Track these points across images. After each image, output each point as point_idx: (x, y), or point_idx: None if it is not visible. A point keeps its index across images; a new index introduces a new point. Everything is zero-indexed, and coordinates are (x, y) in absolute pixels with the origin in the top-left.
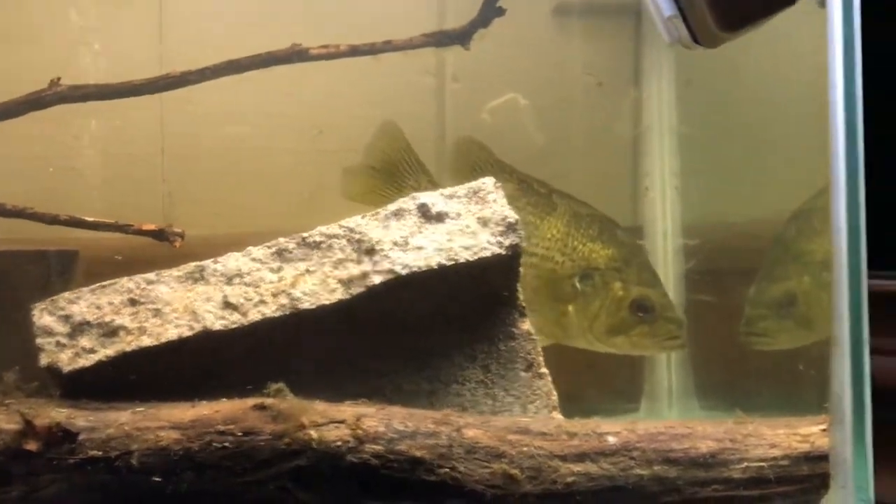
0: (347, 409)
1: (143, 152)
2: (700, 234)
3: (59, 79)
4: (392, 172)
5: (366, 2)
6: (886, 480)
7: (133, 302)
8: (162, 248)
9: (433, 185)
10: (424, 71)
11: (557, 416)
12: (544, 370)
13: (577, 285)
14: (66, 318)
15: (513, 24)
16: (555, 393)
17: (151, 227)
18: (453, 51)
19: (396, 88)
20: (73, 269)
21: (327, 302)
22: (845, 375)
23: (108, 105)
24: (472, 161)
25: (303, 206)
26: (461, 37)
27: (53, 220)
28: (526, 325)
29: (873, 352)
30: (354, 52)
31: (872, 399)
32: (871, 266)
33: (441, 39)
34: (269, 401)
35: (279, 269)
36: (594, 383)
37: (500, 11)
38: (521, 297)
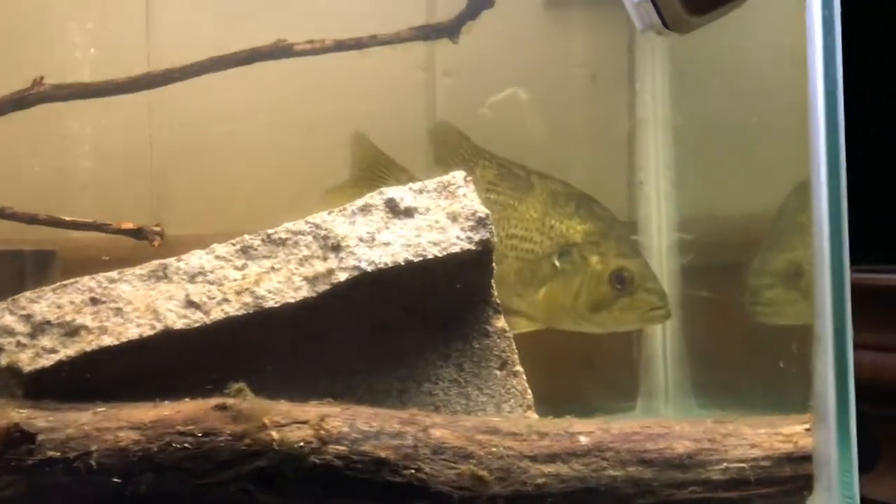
0: (311, 409)
1: (132, 151)
2: (696, 228)
3: (41, 78)
4: (371, 181)
5: None
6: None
7: (94, 301)
8: (153, 248)
9: (415, 181)
10: (415, 65)
11: (532, 415)
12: (519, 368)
13: (557, 263)
14: (27, 318)
15: (504, 16)
16: (530, 392)
17: (130, 225)
18: (444, 45)
19: (386, 83)
20: (51, 269)
21: (292, 300)
22: (828, 372)
23: (95, 103)
24: (449, 148)
25: (294, 203)
26: (449, 30)
27: (32, 220)
28: (500, 322)
29: (860, 348)
30: (340, 46)
31: (861, 396)
32: (853, 260)
33: (428, 33)
34: (230, 401)
35: (244, 267)
36: (589, 381)
37: (489, 3)
38: (495, 293)
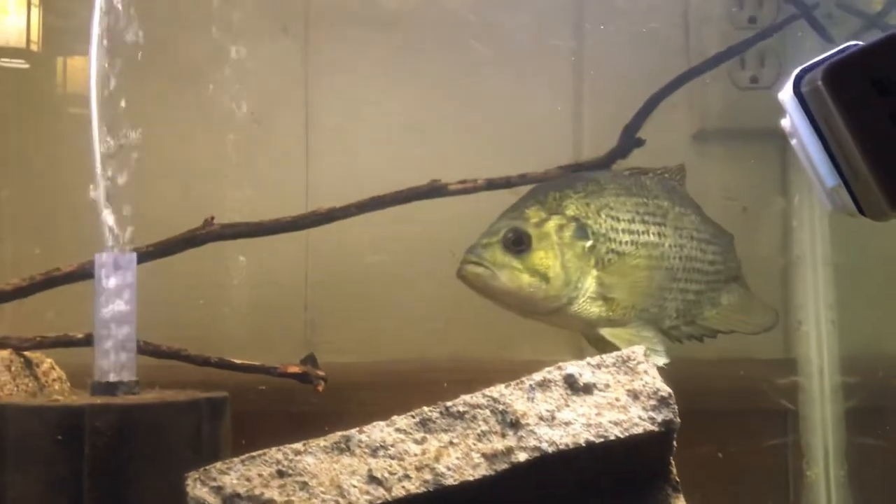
0: None
1: (288, 281)
2: (860, 370)
3: (212, 217)
4: None
5: (503, 132)
6: None
7: (281, 474)
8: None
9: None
10: None
11: None
12: None
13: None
14: (218, 490)
15: (651, 149)
16: None
17: (296, 369)
18: None
19: None
20: (224, 414)
21: (471, 478)
22: None
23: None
24: None
25: (441, 333)
26: (598, 167)
27: (204, 363)
28: (680, 501)
29: None
30: (491, 185)
31: None
32: None
33: (578, 171)
34: None
35: (423, 441)
36: None
37: (640, 142)
38: (674, 470)
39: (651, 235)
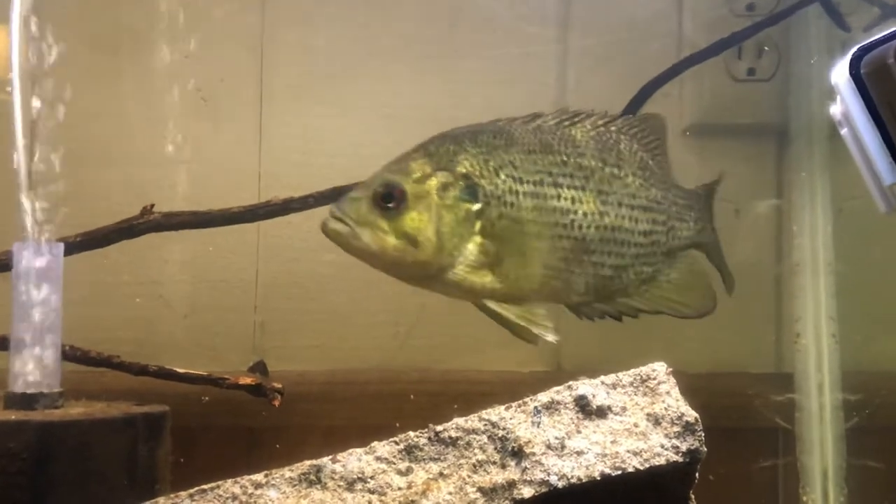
0: None
1: (236, 279)
2: (863, 388)
3: (152, 206)
4: None
5: (481, 117)
6: None
7: None
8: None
9: None
10: None
11: None
12: None
13: None
14: None
15: None
16: None
17: (248, 381)
18: None
19: None
20: (163, 431)
21: None
22: None
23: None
24: None
25: (404, 340)
26: None
27: (141, 371)
28: None
29: None
30: None
31: None
32: None
33: None
34: None
35: (408, 472)
36: None
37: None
38: (694, 503)
39: (562, 201)
